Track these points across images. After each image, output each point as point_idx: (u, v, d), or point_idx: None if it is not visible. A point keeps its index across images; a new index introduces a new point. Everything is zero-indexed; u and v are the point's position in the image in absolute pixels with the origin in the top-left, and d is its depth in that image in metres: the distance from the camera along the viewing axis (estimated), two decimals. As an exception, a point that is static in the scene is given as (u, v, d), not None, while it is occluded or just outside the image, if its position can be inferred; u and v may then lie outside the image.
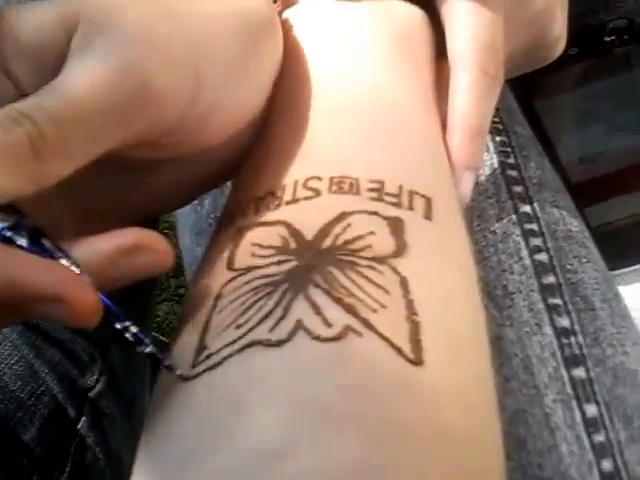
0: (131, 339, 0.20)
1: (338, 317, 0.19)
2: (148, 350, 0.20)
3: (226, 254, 0.22)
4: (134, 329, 0.20)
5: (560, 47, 0.33)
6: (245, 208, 0.24)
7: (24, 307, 0.17)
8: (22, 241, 0.19)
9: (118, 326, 0.19)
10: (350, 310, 0.19)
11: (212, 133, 0.24)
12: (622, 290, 0.36)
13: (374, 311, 0.19)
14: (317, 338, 0.18)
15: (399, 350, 0.18)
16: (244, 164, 0.26)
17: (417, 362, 0.18)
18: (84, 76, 0.19)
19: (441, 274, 0.22)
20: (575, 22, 0.34)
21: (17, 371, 0.38)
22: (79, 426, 0.40)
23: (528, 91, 0.49)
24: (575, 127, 0.51)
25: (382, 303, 0.19)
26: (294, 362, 0.18)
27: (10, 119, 0.18)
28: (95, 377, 0.42)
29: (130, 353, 0.46)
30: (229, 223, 0.24)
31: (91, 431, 0.41)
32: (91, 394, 0.41)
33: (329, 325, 0.19)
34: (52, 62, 0.20)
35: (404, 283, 0.20)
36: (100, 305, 0.18)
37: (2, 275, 0.17)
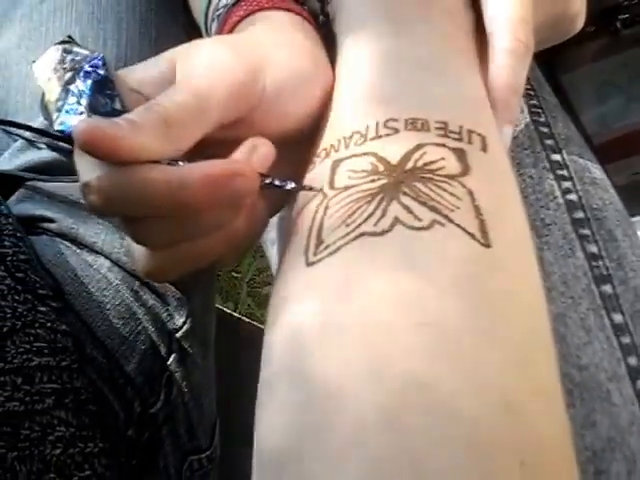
0: (278, 184, 0.29)
1: (425, 214, 0.25)
2: (292, 186, 0.29)
3: (327, 179, 0.28)
4: (277, 179, 0.29)
5: (580, 22, 0.39)
6: (336, 145, 0.30)
7: (230, 186, 0.26)
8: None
9: (268, 180, 0.28)
10: (433, 209, 0.25)
11: (279, 119, 0.31)
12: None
13: (451, 210, 0.25)
14: (412, 228, 0.25)
15: (473, 236, 0.25)
16: (327, 112, 0.32)
17: (487, 245, 0.25)
18: (187, 80, 0.29)
19: (497, 190, 0.28)
20: (593, 3, 0.40)
21: (120, 311, 0.44)
22: (169, 362, 0.47)
23: (551, 65, 0.54)
24: (595, 97, 0.56)
25: (456, 205, 0.26)
26: (397, 243, 0.24)
27: (146, 108, 0.27)
28: (182, 320, 0.48)
29: (209, 298, 0.53)
30: (324, 159, 0.30)
31: (179, 367, 0.47)
32: (178, 335, 0.47)
33: (420, 220, 0.25)
34: (165, 84, 0.29)
35: (471, 193, 0.26)
36: (257, 172, 0.27)
37: (206, 172, 0.26)
